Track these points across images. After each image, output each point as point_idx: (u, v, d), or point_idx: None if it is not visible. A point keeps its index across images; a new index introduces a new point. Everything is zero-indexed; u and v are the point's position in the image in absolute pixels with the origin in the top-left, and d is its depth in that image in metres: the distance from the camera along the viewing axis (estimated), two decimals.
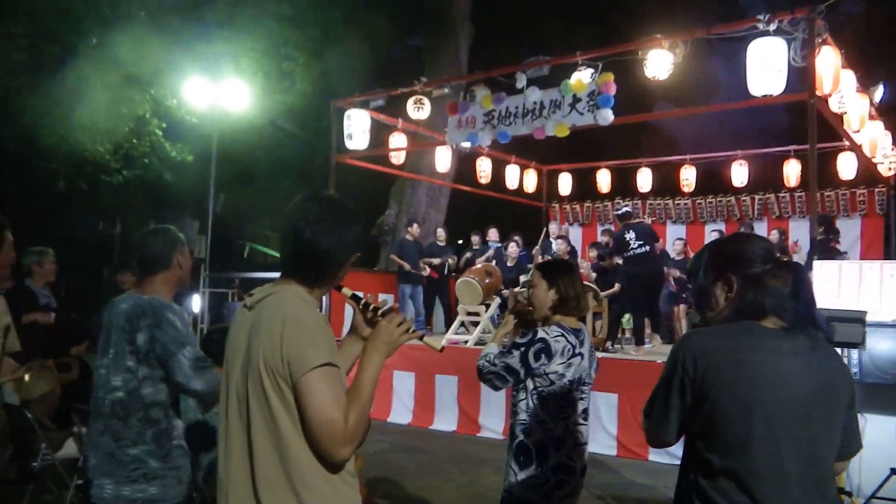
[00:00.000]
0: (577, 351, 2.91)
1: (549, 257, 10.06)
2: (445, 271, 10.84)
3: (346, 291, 2.05)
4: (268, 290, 1.89)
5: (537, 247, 11.00)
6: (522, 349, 2.87)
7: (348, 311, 9.92)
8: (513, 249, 10.39)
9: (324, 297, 9.45)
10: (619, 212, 9.40)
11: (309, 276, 1.89)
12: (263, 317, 1.80)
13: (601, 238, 10.61)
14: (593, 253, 9.95)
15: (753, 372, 1.71)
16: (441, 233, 11.45)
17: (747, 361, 1.72)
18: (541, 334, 2.88)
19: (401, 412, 8.62)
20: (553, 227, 11.40)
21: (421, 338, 2.03)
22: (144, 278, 2.79)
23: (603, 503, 5.65)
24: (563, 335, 2.90)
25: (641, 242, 8.83)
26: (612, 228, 11.14)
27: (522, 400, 2.91)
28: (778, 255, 1.90)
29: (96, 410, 2.66)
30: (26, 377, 3.51)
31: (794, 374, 1.72)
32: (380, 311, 1.98)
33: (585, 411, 3.00)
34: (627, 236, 8.88)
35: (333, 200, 1.95)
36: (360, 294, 2.07)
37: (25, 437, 4.73)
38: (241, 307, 1.95)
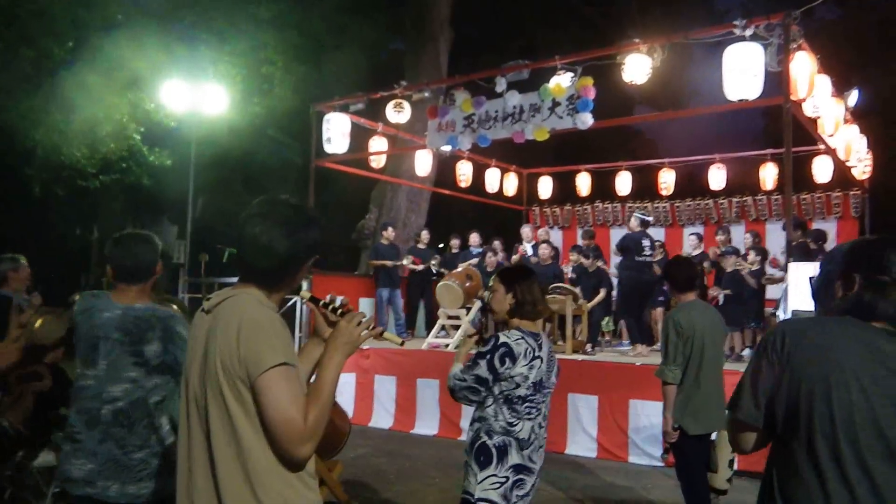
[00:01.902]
0: (536, 354, 3.00)
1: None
2: (435, 273, 10.69)
3: (305, 294, 2.08)
4: (226, 293, 1.89)
5: (515, 256, 10.85)
6: (488, 356, 2.95)
7: None
8: (490, 259, 10.30)
9: (304, 305, 9.42)
10: (646, 218, 9.57)
11: (266, 280, 1.90)
12: (220, 320, 1.81)
13: (582, 241, 10.60)
14: (574, 256, 9.97)
15: (841, 357, 1.67)
16: (425, 235, 11.36)
17: (838, 347, 1.68)
18: (502, 339, 2.98)
19: (382, 416, 8.59)
20: (526, 231, 11.26)
21: (381, 334, 2.05)
22: (130, 286, 2.75)
23: None
24: (523, 338, 3.00)
25: (652, 252, 9.15)
26: (592, 230, 11.19)
27: (490, 405, 2.99)
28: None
29: (90, 420, 2.65)
30: (38, 322, 3.41)
31: (887, 372, 1.65)
32: (339, 311, 2.00)
33: (545, 416, 3.10)
34: (644, 241, 9.10)
35: (290, 204, 1.96)
36: (321, 298, 2.09)
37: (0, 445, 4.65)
38: (199, 311, 1.94)
